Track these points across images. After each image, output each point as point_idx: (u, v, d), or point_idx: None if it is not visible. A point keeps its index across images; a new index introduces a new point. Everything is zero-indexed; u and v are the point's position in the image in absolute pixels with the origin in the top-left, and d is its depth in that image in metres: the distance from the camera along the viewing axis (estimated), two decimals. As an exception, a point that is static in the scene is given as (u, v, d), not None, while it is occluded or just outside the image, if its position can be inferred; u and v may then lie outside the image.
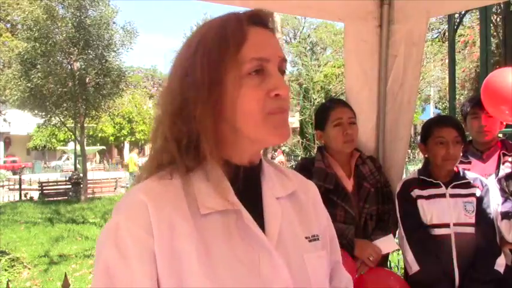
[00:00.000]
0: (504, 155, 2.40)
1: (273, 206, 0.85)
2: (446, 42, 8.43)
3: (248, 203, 0.81)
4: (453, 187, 2.07)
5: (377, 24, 2.38)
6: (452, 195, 2.06)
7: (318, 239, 0.90)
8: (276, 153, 20.03)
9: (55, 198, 15.26)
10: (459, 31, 9.57)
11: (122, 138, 32.61)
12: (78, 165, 20.95)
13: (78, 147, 18.56)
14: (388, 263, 3.01)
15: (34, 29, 13.90)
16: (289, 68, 26.19)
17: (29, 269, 6.71)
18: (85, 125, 16.37)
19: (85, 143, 17.34)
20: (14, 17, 16.39)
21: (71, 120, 16.16)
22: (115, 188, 17.43)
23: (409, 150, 17.13)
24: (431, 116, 12.06)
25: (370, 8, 2.37)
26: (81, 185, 15.61)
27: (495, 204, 2.07)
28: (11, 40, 17.31)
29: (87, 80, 14.85)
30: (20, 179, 17.07)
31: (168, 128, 0.80)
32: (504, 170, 2.32)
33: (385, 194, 2.23)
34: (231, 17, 0.81)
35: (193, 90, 0.78)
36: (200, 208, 0.77)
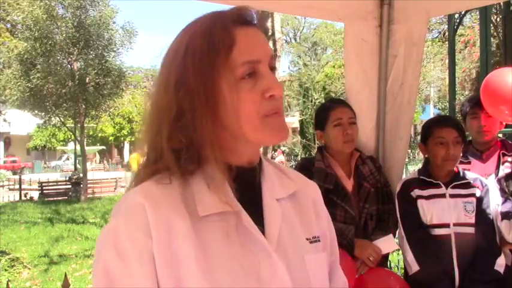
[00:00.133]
0: (504, 155, 2.40)
1: (273, 207, 0.84)
2: (447, 42, 8.43)
3: (248, 205, 0.80)
4: (453, 187, 2.07)
5: (377, 24, 2.38)
6: (452, 196, 2.06)
7: (319, 240, 0.89)
8: (276, 153, 20.03)
9: (55, 198, 15.27)
10: (459, 31, 9.56)
11: (122, 138, 32.63)
12: (78, 165, 20.97)
13: (78, 147, 18.58)
14: (388, 263, 3.01)
15: (34, 29, 13.92)
16: (289, 67, 26.18)
17: (29, 269, 6.71)
18: (85, 125, 16.38)
19: (85, 143, 17.35)
20: (14, 17, 16.40)
21: (71, 120, 16.18)
22: (115, 188, 17.43)
23: (409, 150, 17.14)
24: (431, 116, 12.07)
25: (370, 8, 2.37)
26: (81, 185, 15.62)
27: (495, 205, 2.07)
28: (10, 40, 17.31)
29: (87, 80, 14.86)
30: (20, 179, 17.08)
31: (166, 139, 0.78)
32: (504, 170, 2.32)
33: (385, 194, 2.23)
34: (216, 21, 0.79)
35: (188, 99, 0.77)
36: (198, 210, 0.77)
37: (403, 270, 2.35)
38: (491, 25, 5.90)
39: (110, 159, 33.08)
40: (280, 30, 6.31)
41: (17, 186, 16.80)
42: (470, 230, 2.03)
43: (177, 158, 0.78)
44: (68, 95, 14.64)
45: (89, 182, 16.28)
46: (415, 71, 2.41)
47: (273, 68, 0.82)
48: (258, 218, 0.81)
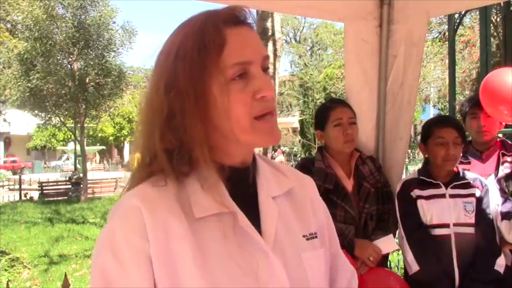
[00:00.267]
0: (503, 155, 2.40)
1: (269, 206, 0.84)
2: (447, 42, 8.42)
3: (244, 204, 0.80)
4: (453, 187, 2.07)
5: (377, 24, 2.38)
6: (452, 196, 2.06)
7: (316, 236, 0.89)
8: (276, 153, 20.04)
9: (55, 198, 15.27)
10: (459, 31, 9.56)
11: (122, 138, 32.63)
12: (78, 165, 20.97)
13: (78, 147, 18.57)
14: (388, 263, 3.01)
15: (34, 29, 13.93)
16: (291, 67, 26.18)
17: (29, 269, 6.71)
18: (85, 125, 16.39)
19: (85, 143, 17.36)
20: (14, 17, 16.40)
21: (71, 120, 16.18)
22: (115, 188, 17.43)
23: (409, 150, 17.15)
24: (431, 116, 12.07)
25: (370, 8, 2.37)
26: (81, 185, 15.62)
27: (495, 205, 2.07)
28: (9, 39, 17.32)
29: (87, 80, 14.86)
30: (20, 179, 17.08)
31: (158, 140, 0.78)
32: (503, 170, 2.32)
33: (385, 194, 2.23)
34: (207, 21, 0.78)
35: (179, 101, 0.77)
36: (194, 212, 0.77)
37: (403, 270, 2.35)
38: (491, 25, 5.90)
39: (110, 159, 33.08)
40: (280, 30, 6.30)
41: (17, 186, 16.80)
42: (470, 230, 2.03)
43: (170, 159, 0.78)
44: (68, 95, 14.65)
45: (89, 182, 16.29)
46: (415, 71, 2.41)
47: (266, 69, 0.81)
48: (254, 217, 0.81)
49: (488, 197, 2.08)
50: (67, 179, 17.03)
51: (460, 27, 8.77)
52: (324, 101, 3.36)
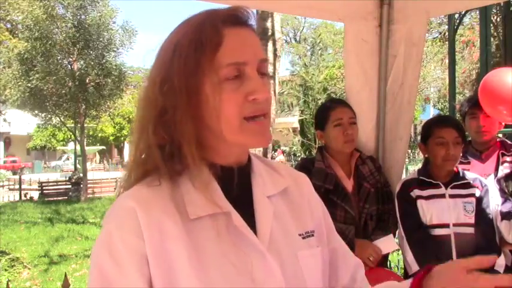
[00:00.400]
0: (503, 155, 2.40)
1: (264, 205, 0.84)
2: (447, 43, 8.42)
3: (239, 204, 0.80)
4: (453, 187, 2.07)
5: (377, 24, 2.38)
6: (451, 196, 2.06)
7: (313, 235, 0.89)
8: (276, 153, 20.04)
9: (55, 198, 15.28)
10: (459, 31, 9.56)
11: (122, 138, 32.62)
12: (78, 165, 20.96)
13: (78, 147, 18.58)
14: (388, 263, 3.01)
15: (34, 29, 13.93)
16: (292, 66, 26.17)
17: (29, 269, 6.71)
18: (85, 125, 16.39)
19: (85, 143, 17.36)
20: (14, 17, 16.40)
21: (71, 120, 16.18)
22: (115, 188, 17.39)
23: (409, 150, 17.14)
24: (432, 116, 12.07)
25: (370, 8, 2.37)
26: (81, 185, 15.63)
27: (495, 205, 2.08)
28: (9, 39, 17.32)
29: (87, 80, 14.86)
30: (20, 179, 17.09)
31: (151, 135, 0.79)
32: (503, 170, 2.32)
33: (385, 194, 2.23)
34: (206, 20, 0.78)
35: (171, 96, 0.77)
36: (189, 213, 0.77)
37: (403, 270, 2.35)
38: (491, 25, 5.90)
39: (110, 159, 33.07)
40: (280, 30, 6.30)
41: (17, 186, 16.81)
42: (470, 230, 2.03)
43: (163, 155, 0.79)
44: (68, 95, 14.65)
45: (89, 182, 16.29)
46: (415, 71, 2.41)
47: (263, 72, 0.80)
48: (250, 217, 0.81)
49: (488, 197, 2.08)
50: (67, 179, 17.04)
51: (460, 27, 8.77)
52: (324, 101, 3.36)
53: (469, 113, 2.49)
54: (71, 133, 18.74)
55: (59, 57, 14.72)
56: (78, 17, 14.60)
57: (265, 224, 0.82)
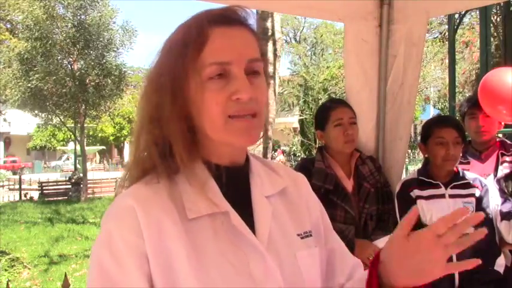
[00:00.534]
0: (503, 155, 2.40)
1: (263, 205, 0.84)
2: (447, 43, 8.43)
3: (237, 204, 0.80)
4: (452, 187, 2.07)
5: (377, 24, 2.38)
6: (451, 196, 2.06)
7: (311, 235, 0.89)
8: (276, 153, 20.04)
9: (55, 198, 15.28)
10: (459, 31, 9.57)
11: (122, 138, 32.63)
12: (78, 165, 20.96)
13: (78, 147, 18.58)
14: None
15: (34, 29, 13.93)
16: (293, 66, 26.17)
17: (29, 269, 6.71)
18: (85, 125, 16.40)
19: (85, 143, 17.36)
20: (14, 17, 16.41)
21: (71, 120, 16.18)
22: (115, 188, 17.39)
23: (409, 150, 17.15)
24: (432, 116, 12.07)
25: (370, 8, 2.37)
26: (81, 185, 15.63)
27: (494, 205, 2.07)
28: (9, 38, 17.32)
29: (87, 80, 14.86)
30: (20, 179, 17.10)
31: (148, 132, 0.80)
32: (503, 170, 2.31)
33: (385, 194, 2.23)
34: (194, 20, 0.79)
35: (160, 96, 0.79)
36: (187, 213, 0.77)
37: (403, 270, 2.35)
38: (491, 25, 5.91)
39: (110, 159, 33.08)
40: (280, 30, 6.31)
41: (17, 186, 16.82)
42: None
43: (159, 152, 0.80)
44: (68, 95, 14.65)
45: (89, 182, 16.29)
46: (415, 71, 2.41)
47: (254, 72, 0.79)
48: (248, 216, 0.81)
49: (487, 197, 2.08)
50: (67, 179, 17.04)
51: (460, 27, 8.77)
52: (324, 101, 3.36)
53: (468, 113, 2.48)
54: (71, 133, 18.75)
55: (59, 57, 14.72)
56: (78, 17, 14.60)
57: (264, 224, 0.82)
